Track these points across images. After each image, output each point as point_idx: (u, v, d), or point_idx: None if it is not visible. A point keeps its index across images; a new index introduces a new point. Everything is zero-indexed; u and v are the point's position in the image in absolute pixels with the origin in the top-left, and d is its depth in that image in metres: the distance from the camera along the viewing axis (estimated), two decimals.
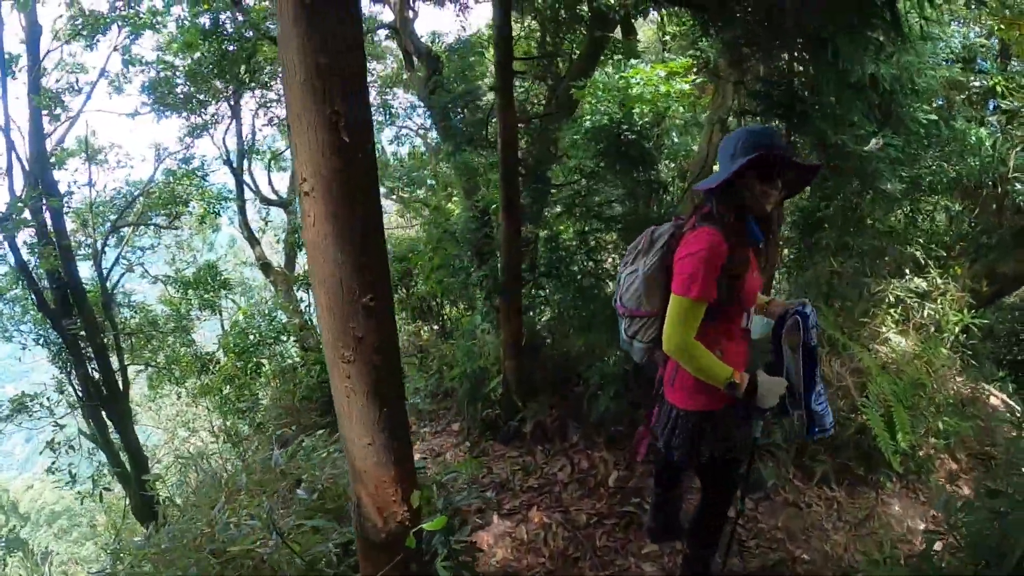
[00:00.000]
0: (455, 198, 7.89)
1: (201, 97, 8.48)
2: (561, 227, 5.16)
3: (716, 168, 2.65)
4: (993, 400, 6.12)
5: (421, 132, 13.07)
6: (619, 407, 4.54)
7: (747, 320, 2.74)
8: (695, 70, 6.05)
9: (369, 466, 2.26)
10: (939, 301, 5.14)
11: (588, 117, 4.95)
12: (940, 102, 5.55)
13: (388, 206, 13.32)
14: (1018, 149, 5.20)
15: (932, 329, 5.14)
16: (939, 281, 5.28)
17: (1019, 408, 6.03)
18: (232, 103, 9.57)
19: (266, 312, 7.39)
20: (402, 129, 12.42)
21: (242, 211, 11.59)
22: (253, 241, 11.67)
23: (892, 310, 5.33)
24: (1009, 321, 7.17)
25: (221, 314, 10.07)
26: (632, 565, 3.86)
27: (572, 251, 4.74)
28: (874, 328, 5.26)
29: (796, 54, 4.30)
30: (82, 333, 7.20)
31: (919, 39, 4.18)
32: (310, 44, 1.74)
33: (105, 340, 7.41)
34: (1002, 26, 4.75)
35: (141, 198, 7.92)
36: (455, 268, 5.27)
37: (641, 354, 2.91)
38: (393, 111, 11.68)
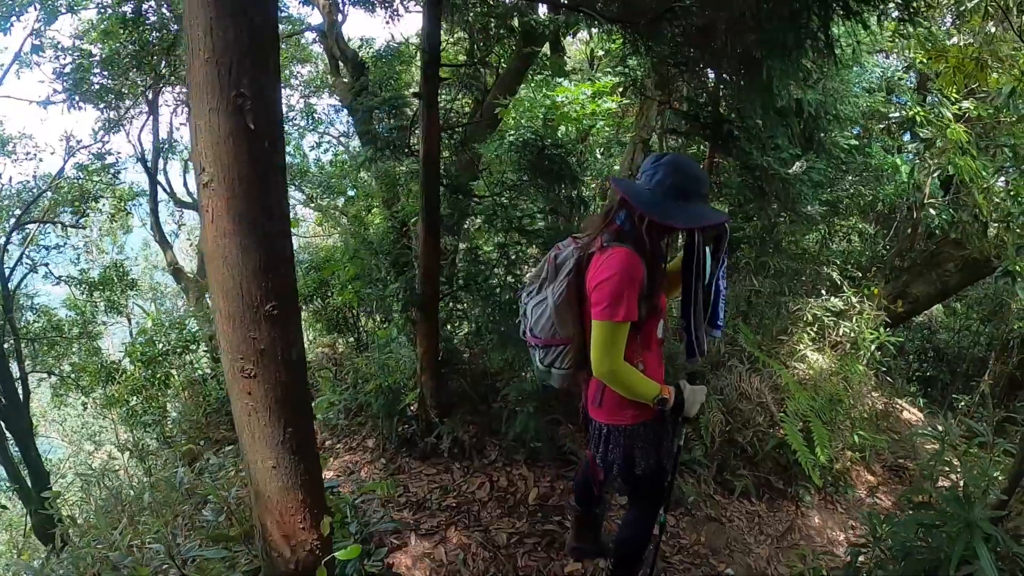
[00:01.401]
0: (376, 208, 7.67)
1: (118, 90, 7.93)
2: (480, 240, 5.04)
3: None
4: (906, 415, 6.35)
5: (343, 139, 12.76)
6: (538, 424, 4.44)
7: (661, 329, 2.72)
8: (621, 89, 6.08)
9: (274, 490, 2.06)
10: (855, 320, 5.27)
11: (512, 131, 4.87)
12: (856, 130, 5.72)
13: (307, 214, 12.90)
14: (934, 175, 5.40)
15: (848, 347, 5.26)
16: (854, 300, 5.42)
17: (928, 422, 6.29)
18: (149, 98, 9.02)
19: (177, 320, 6.93)
20: (324, 136, 12.06)
21: (155, 212, 10.79)
22: (165, 245, 10.97)
23: (809, 328, 5.44)
24: (919, 339, 7.48)
25: (130, 320, 9.46)
26: None
27: (491, 264, 4.62)
28: (791, 345, 5.36)
29: (725, 75, 4.32)
30: None
31: (848, 66, 4.27)
32: (218, 17, 1.54)
33: (5, 346, 6.79)
34: (926, 60, 4.91)
35: (49, 193, 7.32)
36: (372, 279, 5.07)
37: (561, 381, 2.82)
38: (316, 116, 11.36)
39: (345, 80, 7.54)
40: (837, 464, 5.10)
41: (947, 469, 3.46)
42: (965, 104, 5.12)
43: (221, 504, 3.61)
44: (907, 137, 6.01)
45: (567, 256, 2.64)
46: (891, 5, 3.09)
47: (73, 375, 8.20)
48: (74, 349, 8.89)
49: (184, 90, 9.35)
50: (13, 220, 6.83)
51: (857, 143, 5.09)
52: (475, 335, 4.93)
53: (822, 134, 4.72)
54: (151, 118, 10.08)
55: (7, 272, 7.00)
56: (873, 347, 5.13)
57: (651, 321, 2.60)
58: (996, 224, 5.27)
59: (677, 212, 2.40)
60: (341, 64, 7.60)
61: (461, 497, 4.42)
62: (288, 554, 2.13)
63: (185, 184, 11.82)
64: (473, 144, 5.69)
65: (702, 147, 5.39)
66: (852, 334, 5.18)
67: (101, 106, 8.19)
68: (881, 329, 5.17)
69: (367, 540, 3.51)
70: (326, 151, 12.42)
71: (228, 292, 1.75)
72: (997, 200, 5.27)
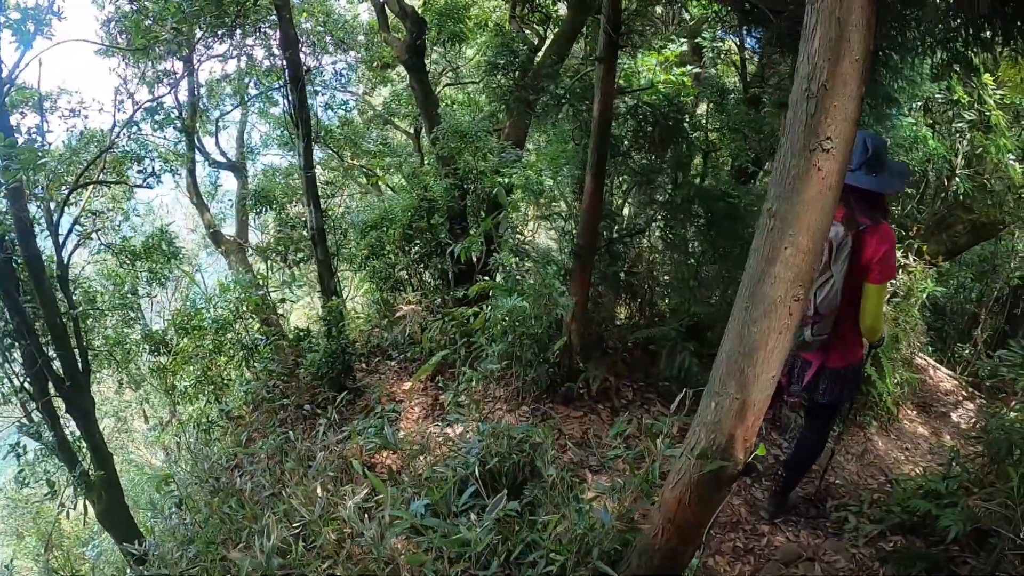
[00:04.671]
0: (427, 166, 8.60)
1: (180, 41, 8.07)
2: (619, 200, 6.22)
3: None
4: (917, 360, 8.20)
5: (366, 97, 13.52)
6: (694, 364, 5.63)
7: None
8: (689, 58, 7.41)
9: (762, 399, 2.80)
10: (907, 271, 6.94)
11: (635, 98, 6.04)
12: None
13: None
14: (965, 150, 7.19)
15: (901, 295, 6.93)
16: (899, 255, 7.11)
17: (944, 369, 8.18)
18: (186, 52, 9.26)
19: (240, 285, 7.50)
20: (334, 94, 12.83)
21: (192, 173, 11.46)
22: (202, 207, 11.47)
23: None
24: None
25: (146, 291, 9.69)
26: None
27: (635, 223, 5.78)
28: None
29: None
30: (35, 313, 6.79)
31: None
32: (867, 36, 2.46)
33: (65, 321, 6.99)
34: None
35: (93, 152, 7.31)
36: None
37: (818, 345, 3.86)
38: (344, 75, 12.06)
39: (400, 37, 8.31)
40: (889, 397, 6.77)
41: None
42: (999, 92, 6.92)
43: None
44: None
45: (841, 238, 3.54)
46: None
47: (109, 349, 8.42)
48: (109, 323, 9.13)
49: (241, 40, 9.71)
50: (67, 184, 6.86)
51: (913, 120, 6.75)
52: (606, 286, 6.09)
53: (888, 110, 6.26)
54: (187, 76, 10.44)
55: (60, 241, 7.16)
56: (924, 295, 6.84)
57: None
58: (1012, 194, 7.15)
59: (890, 181, 3.64)
60: (397, 20, 8.36)
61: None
62: (741, 456, 2.89)
63: (217, 143, 12.00)
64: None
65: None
66: (907, 285, 6.85)
67: (163, 58, 8.40)
68: (929, 281, 6.89)
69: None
70: (351, 110, 13.32)
71: (815, 232, 2.55)
72: (1013, 175, 7.14)
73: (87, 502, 6.99)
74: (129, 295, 9.28)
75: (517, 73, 6.18)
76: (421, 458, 4.94)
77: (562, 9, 8.81)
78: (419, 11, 8.54)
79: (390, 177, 12.36)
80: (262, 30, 8.95)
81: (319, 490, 4.36)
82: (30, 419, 7.50)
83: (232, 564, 4.21)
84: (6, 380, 7.61)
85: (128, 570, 6.96)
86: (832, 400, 4.06)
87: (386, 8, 8.62)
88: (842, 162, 2.53)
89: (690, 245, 6.12)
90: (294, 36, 6.97)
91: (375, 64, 12.09)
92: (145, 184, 7.71)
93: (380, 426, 5.02)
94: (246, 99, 11.86)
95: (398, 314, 7.42)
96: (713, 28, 6.83)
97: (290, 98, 6.86)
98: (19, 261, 6.87)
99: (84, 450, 7.40)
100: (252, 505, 4.80)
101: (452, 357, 6.07)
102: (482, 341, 5.72)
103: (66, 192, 7.02)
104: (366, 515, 4.18)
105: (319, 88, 11.98)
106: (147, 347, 8.31)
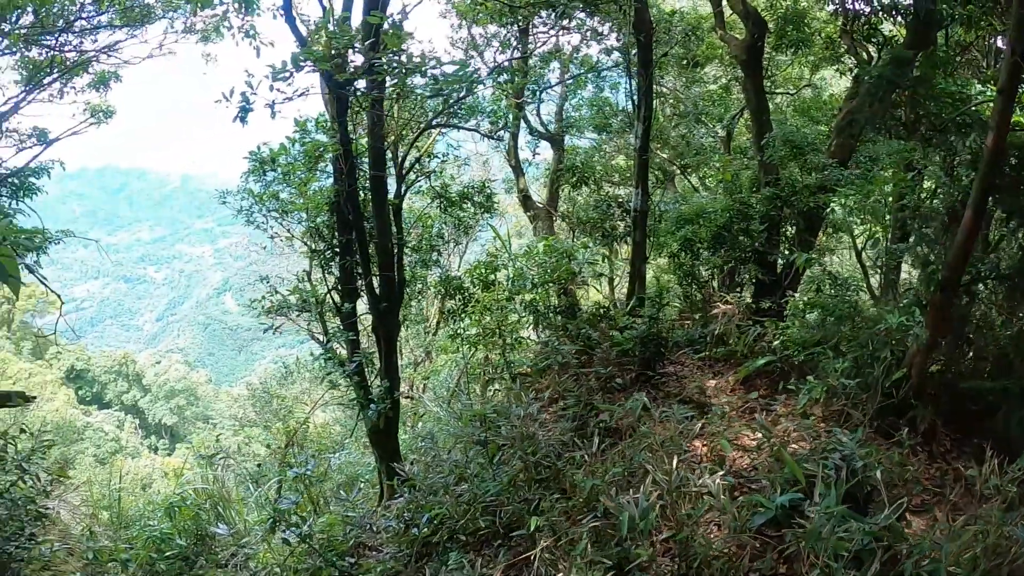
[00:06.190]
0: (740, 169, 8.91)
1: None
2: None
3: None
4: None
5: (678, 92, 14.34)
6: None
7: None
8: None
9: None
10: None
11: None
12: None
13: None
14: None
15: None
16: None
17: None
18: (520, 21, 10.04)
19: (556, 250, 8.11)
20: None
21: (515, 137, 12.54)
22: (518, 172, 12.76)
23: None
24: None
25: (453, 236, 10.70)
26: None
27: None
28: None
29: None
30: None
31: None
32: None
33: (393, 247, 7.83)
34: None
35: (431, 102, 7.96)
36: None
37: None
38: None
39: (740, 37, 8.63)
40: None
41: None
42: None
43: None
44: None
45: None
46: None
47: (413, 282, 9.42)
48: (407, 261, 10.07)
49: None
50: (426, 120, 7.67)
51: None
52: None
53: None
54: (521, 43, 11.51)
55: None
56: None
57: None
58: None
59: None
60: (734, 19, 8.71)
61: (932, 479, 5.61)
62: None
63: (538, 113, 13.06)
64: None
65: None
66: None
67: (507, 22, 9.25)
68: None
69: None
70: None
71: None
72: None
73: (377, 416, 7.65)
74: (437, 237, 10.23)
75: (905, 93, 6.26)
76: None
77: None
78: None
79: (692, 176, 12.80)
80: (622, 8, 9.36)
81: (675, 462, 4.80)
82: (326, 331, 8.45)
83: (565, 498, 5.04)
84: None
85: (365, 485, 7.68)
86: None
87: (723, 5, 8.94)
88: None
89: None
90: (649, 20, 7.32)
91: (685, 61, 12.49)
92: (495, 136, 8.40)
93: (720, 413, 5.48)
94: (580, 74, 12.47)
95: (712, 312, 7.70)
96: None
97: (636, 80, 7.23)
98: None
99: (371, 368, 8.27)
100: (555, 460, 5.56)
101: (773, 364, 6.27)
102: (829, 354, 5.85)
103: (415, 133, 7.79)
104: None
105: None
106: (442, 290, 9.13)
